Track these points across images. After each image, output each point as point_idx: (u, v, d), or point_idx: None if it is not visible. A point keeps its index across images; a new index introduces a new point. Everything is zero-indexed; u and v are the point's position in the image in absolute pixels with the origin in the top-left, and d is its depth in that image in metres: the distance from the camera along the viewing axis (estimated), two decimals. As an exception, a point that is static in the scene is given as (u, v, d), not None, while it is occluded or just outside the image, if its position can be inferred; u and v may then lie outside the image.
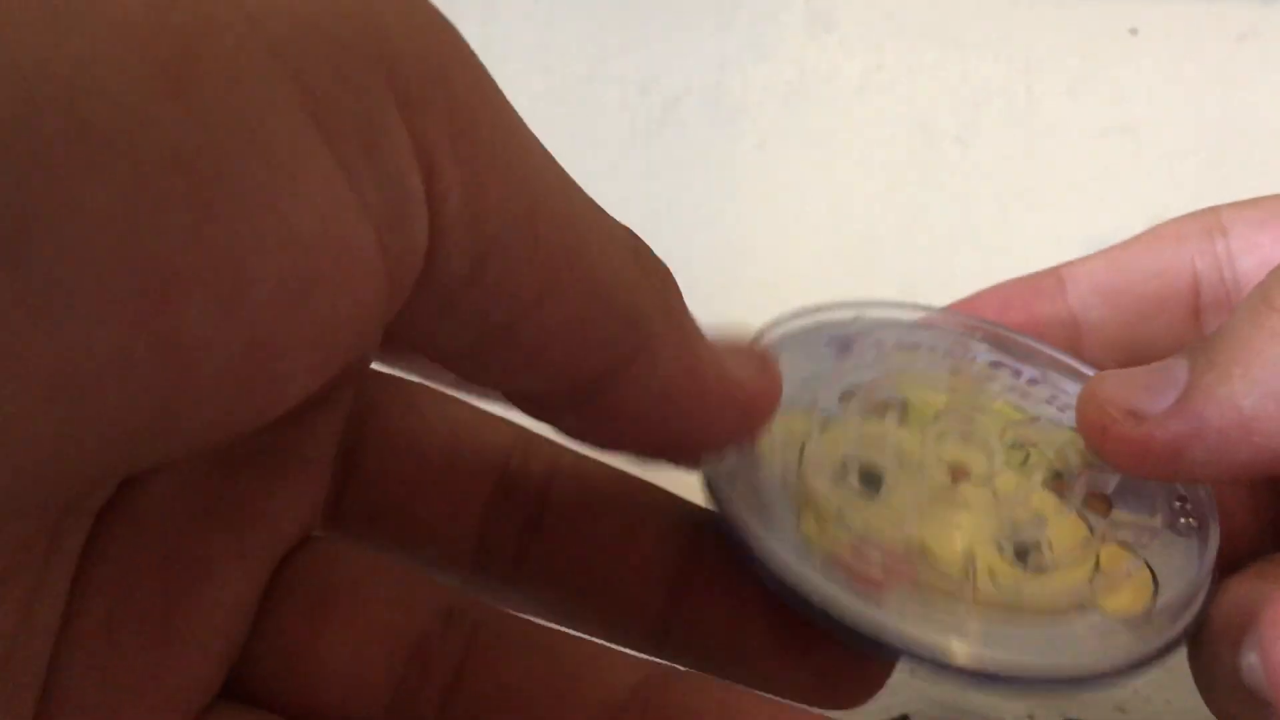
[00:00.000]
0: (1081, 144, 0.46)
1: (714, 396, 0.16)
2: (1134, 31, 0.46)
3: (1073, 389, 0.21)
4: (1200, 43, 0.46)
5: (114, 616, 0.15)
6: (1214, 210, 0.23)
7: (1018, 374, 0.22)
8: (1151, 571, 0.18)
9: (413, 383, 0.19)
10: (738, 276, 0.38)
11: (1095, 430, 0.19)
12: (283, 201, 0.10)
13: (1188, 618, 0.17)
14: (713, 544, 0.18)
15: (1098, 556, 0.18)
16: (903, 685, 0.25)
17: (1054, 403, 0.21)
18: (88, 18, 0.09)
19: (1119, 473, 0.20)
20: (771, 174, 0.44)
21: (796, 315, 0.21)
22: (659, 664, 0.17)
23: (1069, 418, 0.21)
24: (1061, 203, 0.46)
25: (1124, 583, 0.18)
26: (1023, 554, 0.18)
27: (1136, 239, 0.24)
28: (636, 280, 0.15)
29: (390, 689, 0.16)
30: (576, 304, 0.14)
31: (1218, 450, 0.18)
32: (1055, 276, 0.24)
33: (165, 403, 0.10)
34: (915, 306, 0.23)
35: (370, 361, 0.18)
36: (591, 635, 0.18)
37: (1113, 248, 0.23)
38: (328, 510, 0.18)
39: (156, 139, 0.09)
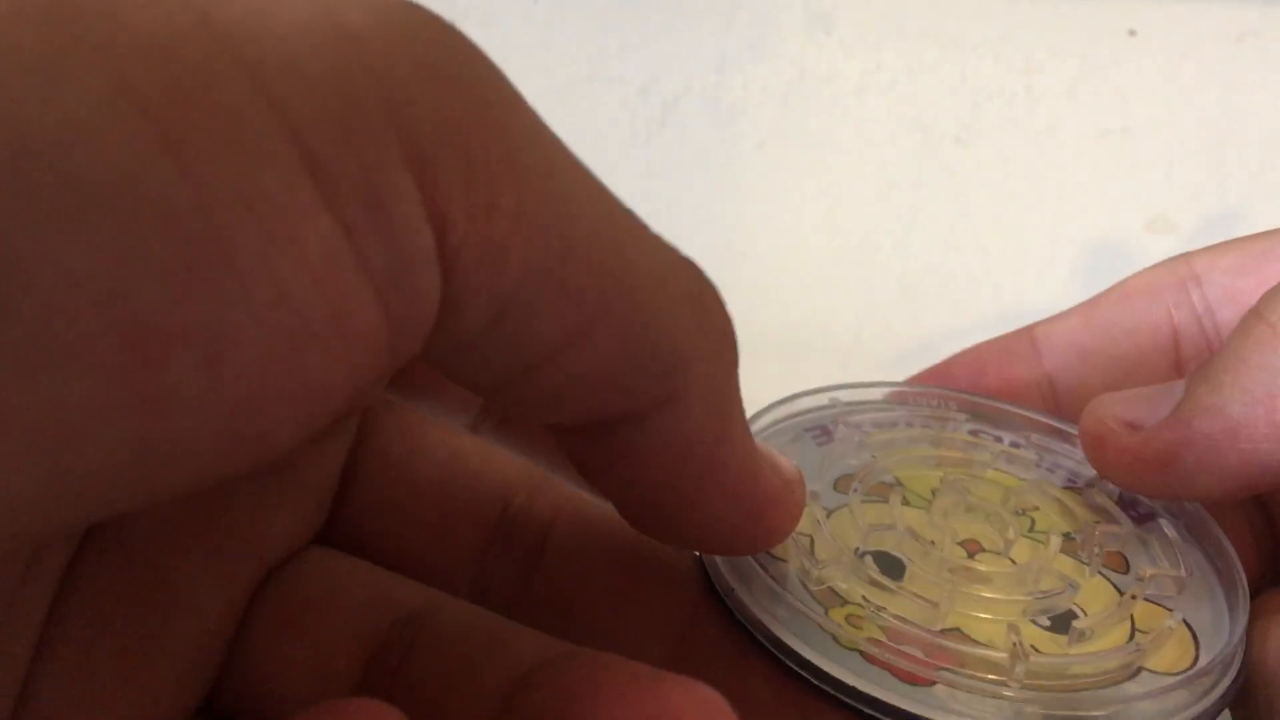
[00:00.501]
0: (1080, 144, 0.46)
1: (737, 475, 0.15)
2: (1133, 32, 0.46)
3: (1057, 447, 0.21)
4: (1199, 43, 0.46)
5: (92, 642, 0.15)
6: (1185, 258, 0.23)
7: (999, 439, 0.21)
8: (1188, 624, 0.18)
9: (418, 413, 0.19)
10: (737, 276, 0.38)
11: (1094, 441, 0.19)
12: (275, 262, 0.10)
13: (1235, 668, 0.17)
14: (718, 614, 0.18)
15: (1132, 616, 0.18)
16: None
17: (1042, 464, 0.21)
18: (83, 71, 0.09)
19: (1117, 487, 0.20)
20: (771, 174, 0.44)
21: (771, 408, 0.21)
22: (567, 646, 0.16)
23: (1060, 477, 0.21)
24: (1060, 203, 0.46)
25: (1166, 639, 0.17)
26: (1060, 624, 0.18)
27: (1108, 294, 0.24)
28: (689, 329, 0.14)
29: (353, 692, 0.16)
30: (609, 349, 0.13)
31: (1207, 458, 0.18)
32: (1028, 338, 0.23)
33: (145, 456, 0.10)
34: (886, 384, 0.22)
35: (378, 395, 0.18)
36: None
37: (1085, 304, 0.23)
38: (317, 533, 0.18)
39: (146, 195, 0.09)
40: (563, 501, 0.19)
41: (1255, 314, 0.19)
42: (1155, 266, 0.23)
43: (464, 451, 0.19)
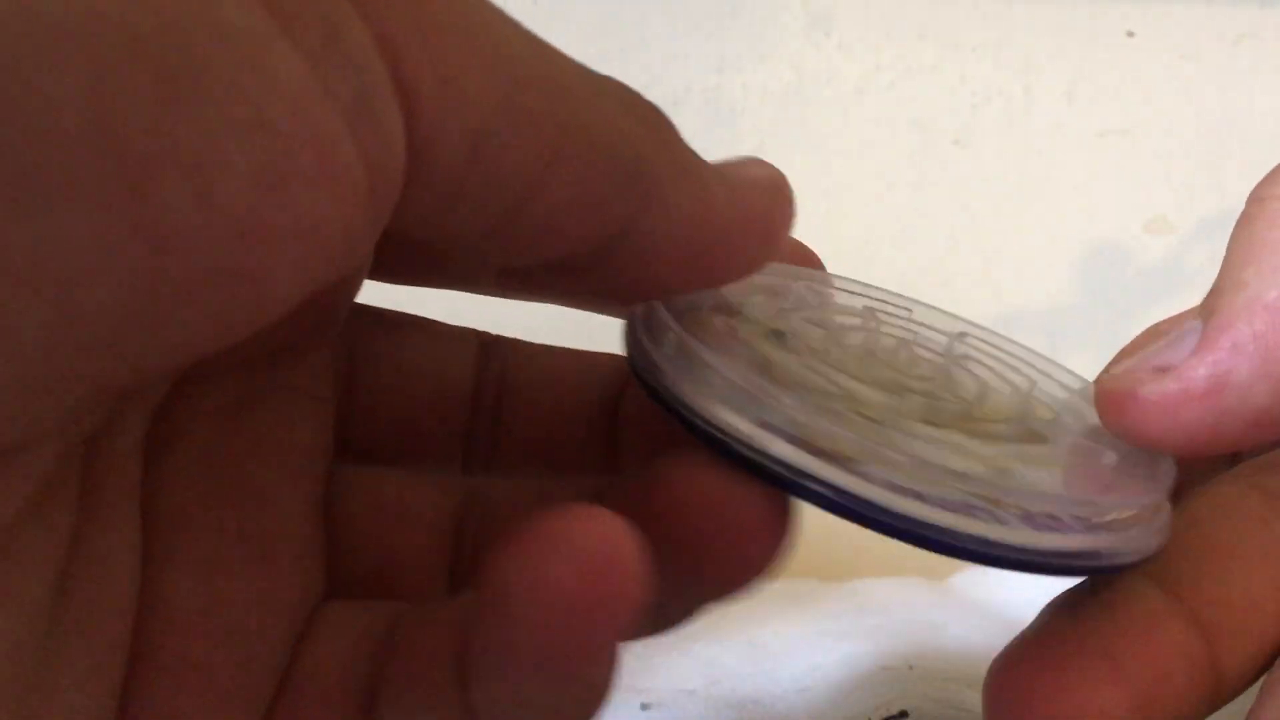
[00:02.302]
0: (1079, 146, 0.46)
1: (731, 226, 0.16)
2: (1131, 34, 0.46)
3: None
4: (1198, 44, 0.46)
5: (207, 541, 0.15)
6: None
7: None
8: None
9: (389, 314, 0.20)
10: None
11: (1120, 401, 0.17)
12: (249, 87, 0.10)
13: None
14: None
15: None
16: (901, 682, 0.25)
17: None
18: None
19: (1159, 450, 0.17)
20: (770, 175, 0.44)
21: None
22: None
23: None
24: (1059, 204, 0.46)
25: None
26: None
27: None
28: (632, 129, 0.14)
29: (446, 563, 0.18)
30: (580, 169, 0.13)
31: (1263, 362, 0.16)
32: None
33: (151, 296, 0.10)
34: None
35: (354, 297, 0.18)
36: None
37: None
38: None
39: (112, 25, 0.09)
40: (508, 351, 0.20)
41: (1257, 200, 0.17)
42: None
43: (432, 332, 0.20)
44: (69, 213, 0.09)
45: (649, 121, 0.15)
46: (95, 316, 0.10)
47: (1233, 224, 0.18)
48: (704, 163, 0.16)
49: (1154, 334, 0.19)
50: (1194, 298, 0.18)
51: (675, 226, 0.15)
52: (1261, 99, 0.46)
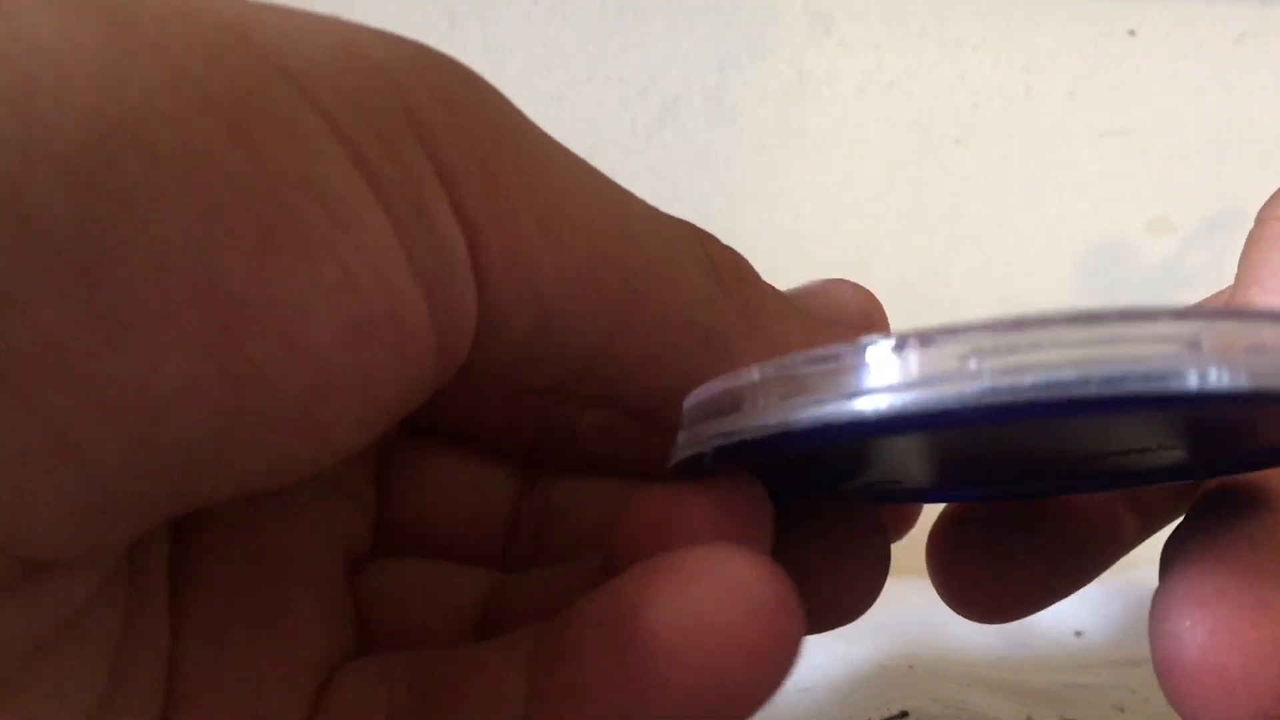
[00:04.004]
0: (1080, 145, 0.46)
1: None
2: (1133, 33, 0.46)
3: None
4: (1199, 44, 0.46)
5: (223, 608, 0.15)
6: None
7: None
8: None
9: (423, 435, 0.20)
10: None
11: None
12: (341, 248, 0.11)
13: None
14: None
15: None
16: (901, 682, 0.25)
17: None
18: (147, 63, 0.10)
19: None
20: (770, 175, 0.44)
21: None
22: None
23: None
24: (1060, 204, 0.46)
25: None
26: None
27: None
28: (711, 294, 0.15)
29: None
30: (650, 335, 0.14)
31: None
32: None
33: (228, 433, 0.10)
34: None
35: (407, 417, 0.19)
36: None
37: None
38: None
39: (222, 175, 0.10)
40: (553, 476, 0.20)
41: (1261, 220, 0.18)
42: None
43: (476, 453, 0.20)
44: (161, 349, 0.10)
45: (728, 281, 0.15)
46: (172, 448, 0.10)
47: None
48: (785, 306, 0.16)
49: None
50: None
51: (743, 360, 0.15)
52: (1263, 98, 0.46)
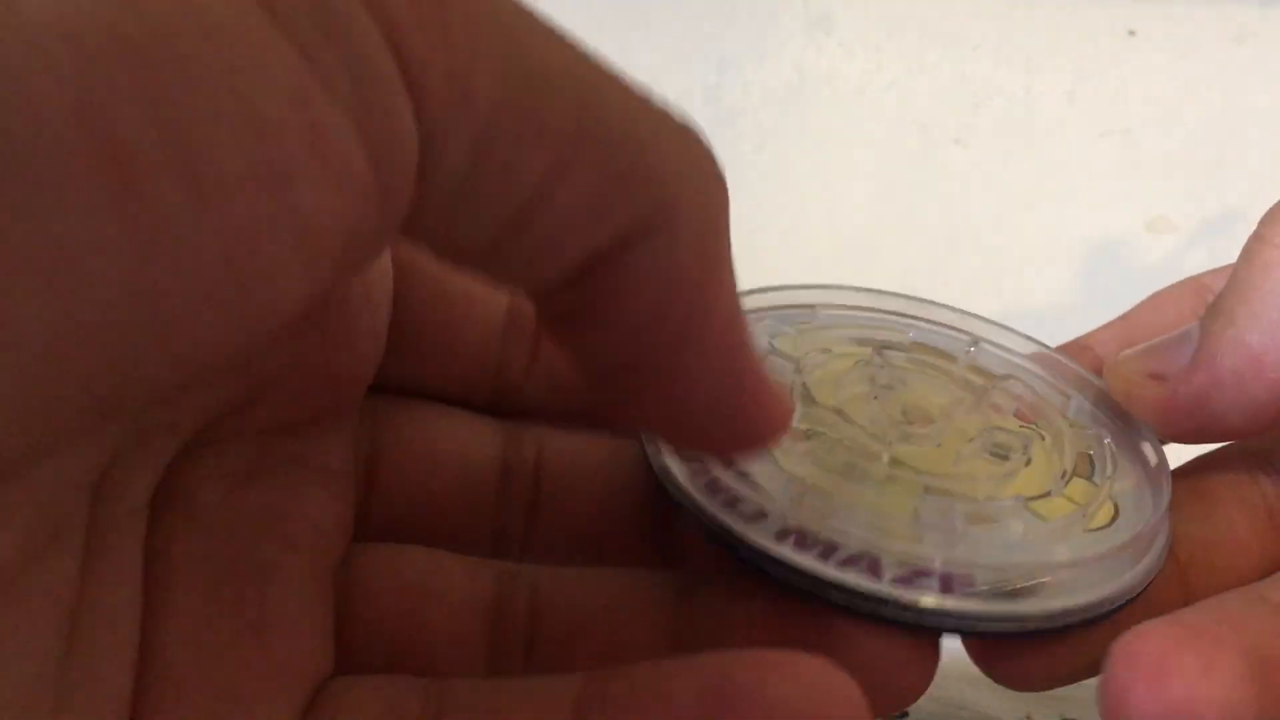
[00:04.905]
0: (1080, 145, 0.46)
1: (723, 333, 0.14)
2: (1132, 33, 0.46)
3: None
4: (1199, 44, 0.46)
5: (205, 608, 0.15)
6: (1195, 279, 0.24)
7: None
8: (1115, 503, 0.19)
9: (412, 400, 0.20)
10: (736, 276, 0.38)
11: (1124, 397, 0.20)
12: (240, 83, 0.10)
13: (1159, 544, 0.18)
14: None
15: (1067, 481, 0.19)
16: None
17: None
18: None
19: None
20: (771, 176, 0.44)
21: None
22: None
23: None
24: (1060, 203, 0.46)
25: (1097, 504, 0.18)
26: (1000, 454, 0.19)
27: (1140, 306, 0.24)
28: (672, 155, 0.13)
29: (485, 643, 0.17)
30: (592, 181, 0.13)
31: (1235, 394, 0.18)
32: (1077, 345, 0.24)
33: (150, 298, 0.10)
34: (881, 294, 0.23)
35: (373, 370, 0.18)
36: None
37: (1120, 317, 0.24)
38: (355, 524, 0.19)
39: (96, 26, 0.09)
40: (540, 440, 0.20)
41: (1258, 239, 0.18)
42: (1171, 285, 0.25)
43: (457, 423, 0.20)
44: (62, 213, 0.09)
45: (696, 154, 0.14)
46: (95, 319, 0.10)
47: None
48: (733, 269, 0.15)
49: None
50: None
51: (670, 275, 0.14)
52: (1262, 98, 0.46)
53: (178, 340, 0.10)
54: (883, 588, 0.16)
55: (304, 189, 0.10)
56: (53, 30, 0.09)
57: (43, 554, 0.13)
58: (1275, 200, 0.19)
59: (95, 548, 0.14)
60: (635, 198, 0.13)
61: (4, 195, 0.09)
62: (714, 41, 0.44)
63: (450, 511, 0.19)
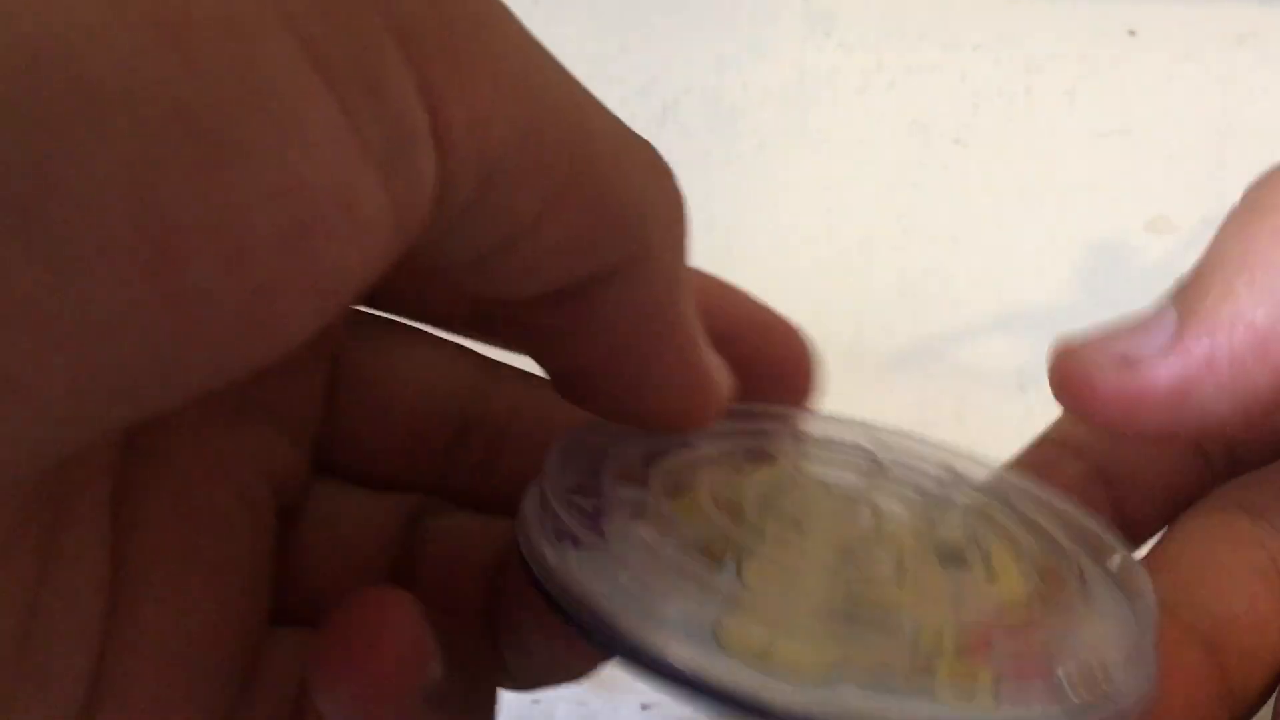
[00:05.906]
0: (1080, 145, 0.46)
1: (685, 341, 0.15)
2: (1133, 33, 0.46)
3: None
4: (1199, 44, 0.46)
5: (176, 569, 0.15)
6: None
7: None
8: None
9: (382, 321, 0.19)
10: (736, 276, 0.38)
11: (1077, 386, 0.17)
12: (287, 152, 0.10)
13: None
14: None
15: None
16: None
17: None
18: None
19: (1113, 432, 0.17)
20: (770, 175, 0.44)
21: None
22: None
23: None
24: (1060, 204, 0.46)
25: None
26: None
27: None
28: (648, 189, 0.14)
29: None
30: (580, 215, 0.13)
31: (1232, 380, 0.15)
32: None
33: (171, 352, 0.10)
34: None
35: (343, 317, 0.18)
36: None
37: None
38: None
39: (158, 94, 0.10)
40: (517, 396, 0.19)
41: (1251, 208, 0.16)
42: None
43: (428, 358, 0.19)
44: (103, 279, 0.09)
45: (665, 186, 0.15)
46: (118, 371, 0.10)
47: None
48: (690, 282, 0.15)
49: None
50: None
51: (643, 303, 0.15)
52: (1262, 98, 0.46)
53: (181, 379, 0.11)
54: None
55: (328, 245, 0.11)
56: (117, 99, 0.09)
57: (5, 549, 0.13)
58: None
59: (60, 528, 0.14)
60: (615, 237, 0.14)
61: (47, 252, 0.09)
62: (714, 41, 0.44)
63: (405, 451, 0.19)
